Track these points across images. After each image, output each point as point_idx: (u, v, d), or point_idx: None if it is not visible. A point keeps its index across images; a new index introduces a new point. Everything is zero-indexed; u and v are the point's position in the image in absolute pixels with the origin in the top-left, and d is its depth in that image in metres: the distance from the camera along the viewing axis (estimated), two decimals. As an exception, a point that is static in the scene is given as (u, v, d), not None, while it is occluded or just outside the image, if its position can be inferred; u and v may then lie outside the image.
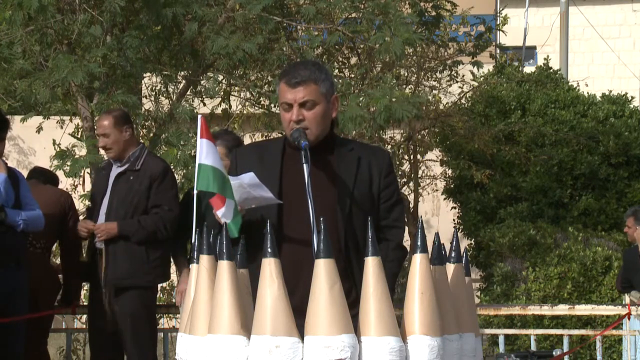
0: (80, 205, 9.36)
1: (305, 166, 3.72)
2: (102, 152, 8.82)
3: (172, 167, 8.60)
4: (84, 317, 10.92)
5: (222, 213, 3.86)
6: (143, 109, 10.06)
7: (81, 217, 7.31)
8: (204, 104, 10.58)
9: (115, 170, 6.72)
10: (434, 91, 13.27)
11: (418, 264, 3.29)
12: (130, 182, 6.62)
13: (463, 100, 13.78)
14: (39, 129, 10.55)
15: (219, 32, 9.08)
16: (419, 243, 3.32)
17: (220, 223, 3.80)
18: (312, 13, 9.43)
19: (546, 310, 8.32)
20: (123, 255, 6.55)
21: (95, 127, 6.93)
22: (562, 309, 8.27)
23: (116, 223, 6.55)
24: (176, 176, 8.78)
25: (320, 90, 3.88)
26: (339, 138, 4.07)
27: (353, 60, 11.79)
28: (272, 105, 10.59)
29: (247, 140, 12.36)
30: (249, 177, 3.77)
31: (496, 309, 8.79)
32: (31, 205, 6.28)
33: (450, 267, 3.51)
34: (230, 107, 11.18)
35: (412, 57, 12.48)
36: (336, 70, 11.16)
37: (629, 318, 8.07)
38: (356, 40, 10.39)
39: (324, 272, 3.17)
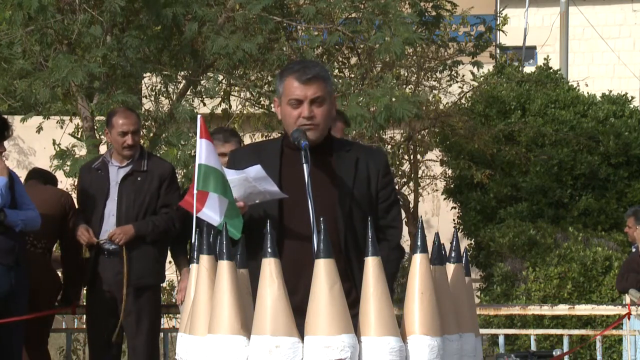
0: (80, 205, 9.35)
1: (305, 166, 3.72)
2: (101, 151, 8.84)
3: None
4: (84, 317, 10.92)
5: (205, 214, 3.86)
6: (143, 109, 10.06)
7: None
8: (204, 104, 10.58)
9: (119, 172, 6.69)
10: (434, 91, 13.28)
11: (418, 264, 3.29)
12: (138, 183, 6.63)
13: (463, 100, 13.79)
14: (39, 129, 10.55)
15: (219, 32, 9.08)
16: (419, 243, 3.32)
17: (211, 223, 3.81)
18: (312, 13, 9.43)
19: (546, 310, 8.32)
20: (138, 255, 6.60)
21: (111, 125, 6.71)
22: (562, 309, 8.27)
23: (131, 225, 6.58)
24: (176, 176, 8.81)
25: (327, 88, 3.89)
26: (336, 139, 4.08)
27: (353, 60, 11.79)
28: (272, 105, 10.59)
29: (247, 140, 12.37)
30: (255, 171, 3.75)
31: (496, 309, 8.79)
32: (27, 205, 6.28)
33: (450, 267, 3.51)
34: (230, 107, 11.18)
35: (412, 57, 12.48)
36: (336, 70, 11.16)
37: (629, 318, 8.06)
38: (356, 40, 10.39)
39: (324, 272, 3.17)
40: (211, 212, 3.90)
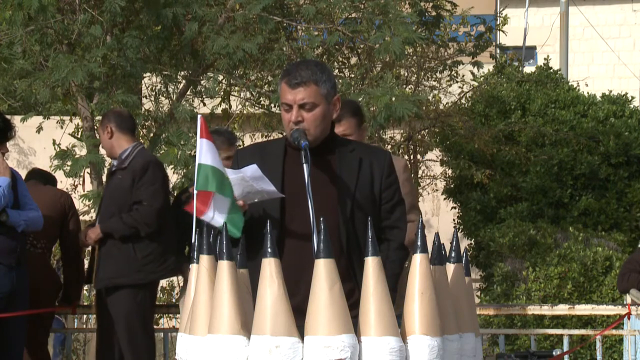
0: (80, 205, 9.35)
1: (305, 166, 3.72)
2: (102, 151, 8.87)
3: (172, 167, 8.63)
4: (84, 317, 10.92)
5: (209, 216, 3.86)
6: (143, 109, 10.06)
7: (81, 217, 7.35)
8: (204, 104, 10.58)
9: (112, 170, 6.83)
10: (434, 91, 13.28)
11: (418, 264, 3.29)
12: (118, 180, 6.69)
13: (463, 100, 13.79)
14: (39, 129, 10.54)
15: (219, 32, 9.08)
16: (419, 243, 3.32)
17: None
18: (312, 13, 9.42)
19: (546, 310, 8.32)
20: (111, 254, 6.60)
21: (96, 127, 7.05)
22: (562, 309, 8.26)
23: (98, 226, 6.65)
24: (176, 176, 8.79)
25: (321, 92, 3.86)
26: (339, 138, 4.07)
27: (353, 60, 11.79)
28: (272, 105, 10.59)
29: (247, 140, 12.38)
30: (252, 170, 3.75)
31: (496, 309, 8.79)
32: (30, 205, 6.29)
33: (450, 267, 3.51)
34: (230, 107, 11.17)
35: (412, 57, 12.48)
36: (336, 70, 11.16)
37: (629, 318, 8.06)
38: (356, 40, 10.39)
39: (324, 272, 3.17)
40: (214, 214, 3.89)
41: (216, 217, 3.87)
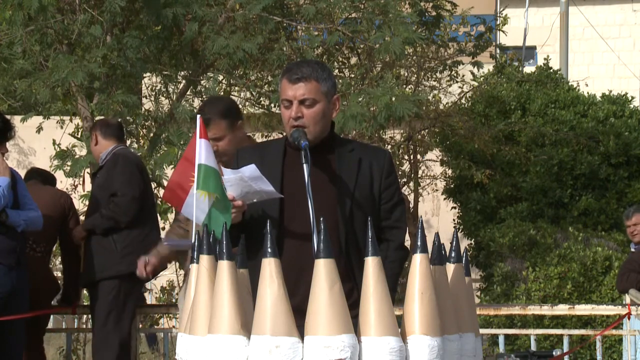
0: (80, 205, 9.35)
1: (305, 166, 3.71)
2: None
3: (172, 167, 8.64)
4: (84, 317, 10.92)
5: (189, 212, 3.88)
6: (143, 109, 10.06)
7: (81, 218, 7.38)
8: (204, 104, 10.57)
9: None
10: (434, 91, 13.28)
11: (418, 264, 3.29)
12: (97, 179, 6.88)
13: (463, 100, 13.79)
14: (39, 129, 10.55)
15: (219, 32, 9.08)
16: (419, 243, 3.32)
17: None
18: (312, 13, 9.43)
19: (546, 310, 8.32)
20: (94, 250, 6.74)
21: None
22: (562, 309, 8.26)
23: (81, 225, 6.86)
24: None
25: (321, 89, 3.86)
26: (339, 138, 4.06)
27: (353, 60, 11.79)
28: (272, 105, 10.60)
29: (247, 140, 12.34)
30: (250, 170, 3.74)
31: (496, 309, 8.78)
32: (30, 205, 6.30)
33: (450, 267, 3.50)
34: (230, 107, 11.16)
35: (412, 57, 12.49)
36: (336, 70, 11.16)
37: (629, 318, 8.06)
38: (356, 40, 10.39)
39: (323, 272, 3.17)
40: (192, 210, 3.91)
41: (198, 214, 3.88)
